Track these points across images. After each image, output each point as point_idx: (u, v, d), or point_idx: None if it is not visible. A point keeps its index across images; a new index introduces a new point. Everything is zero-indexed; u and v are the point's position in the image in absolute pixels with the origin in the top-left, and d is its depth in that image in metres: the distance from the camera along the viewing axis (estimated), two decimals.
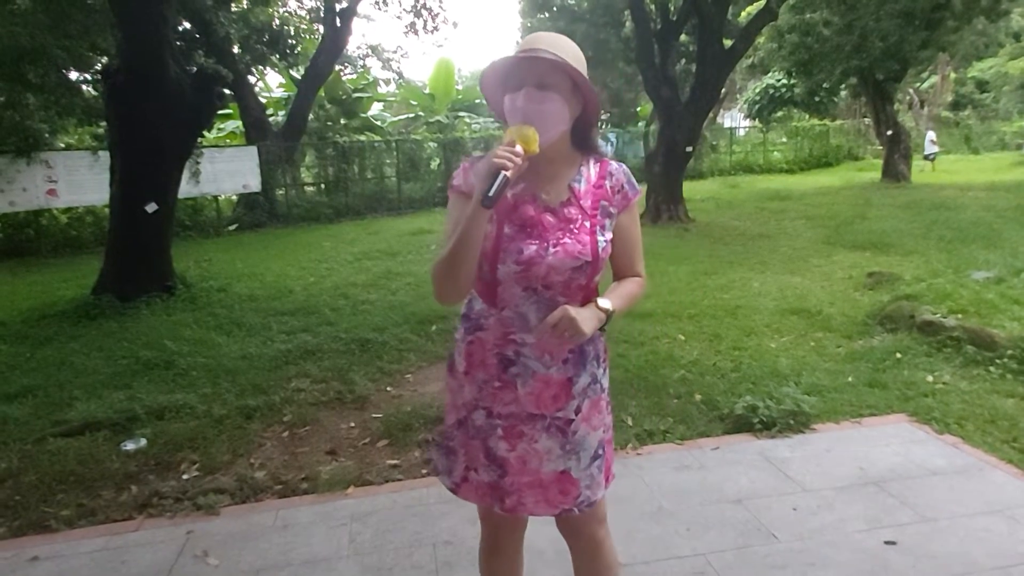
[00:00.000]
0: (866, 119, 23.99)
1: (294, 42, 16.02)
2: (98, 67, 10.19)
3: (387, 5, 15.49)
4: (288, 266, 9.15)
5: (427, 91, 24.41)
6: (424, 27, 15.41)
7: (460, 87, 24.77)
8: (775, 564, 2.43)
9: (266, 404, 4.08)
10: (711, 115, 20.74)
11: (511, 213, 1.54)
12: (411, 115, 24.90)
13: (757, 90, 27.30)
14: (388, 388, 4.39)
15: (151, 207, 6.86)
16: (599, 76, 19.50)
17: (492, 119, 21.33)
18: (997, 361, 4.14)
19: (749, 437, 3.46)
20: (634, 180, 1.66)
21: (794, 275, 7.20)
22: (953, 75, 31.26)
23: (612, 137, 23.31)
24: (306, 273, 8.59)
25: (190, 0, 11.16)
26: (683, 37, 15.15)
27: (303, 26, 16.86)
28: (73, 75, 11.15)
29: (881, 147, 19.25)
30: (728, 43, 12.16)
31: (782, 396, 3.69)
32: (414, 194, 17.25)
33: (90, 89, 11.71)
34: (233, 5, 13.94)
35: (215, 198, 14.41)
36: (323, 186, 17.10)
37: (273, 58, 15.97)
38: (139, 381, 4.61)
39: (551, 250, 1.51)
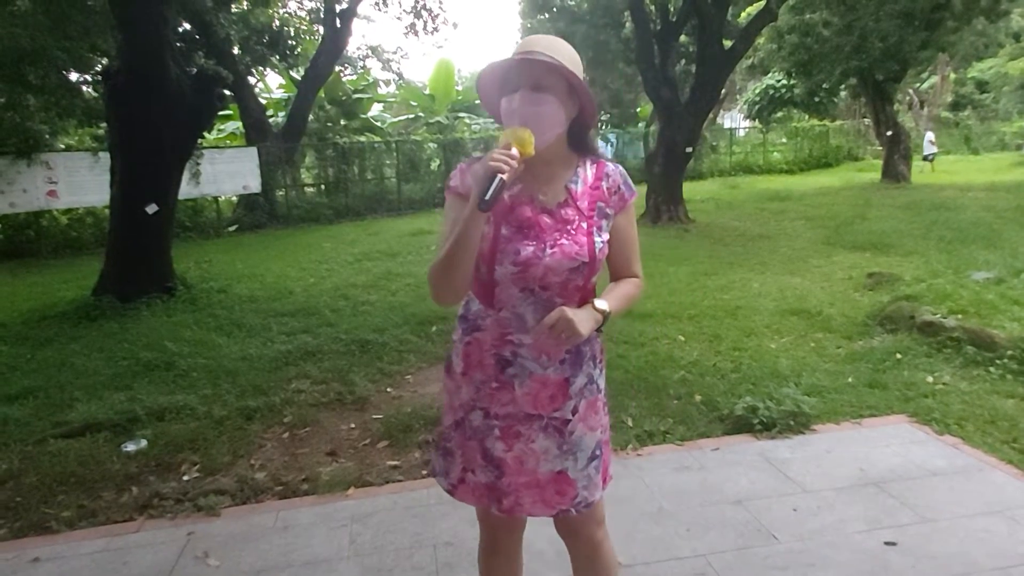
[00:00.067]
0: (866, 120, 24.00)
1: (294, 43, 16.04)
2: (98, 68, 10.20)
3: (387, 6, 15.52)
4: (288, 267, 9.16)
5: (427, 92, 24.43)
6: (424, 28, 15.43)
7: (460, 88, 24.77)
8: (775, 565, 2.44)
9: (266, 405, 4.08)
10: (711, 116, 20.76)
11: (508, 214, 1.54)
12: (411, 116, 24.91)
13: (757, 91, 27.30)
14: (388, 389, 4.39)
15: (151, 208, 6.86)
16: (599, 77, 19.52)
17: (492, 120, 21.32)
18: (997, 362, 4.14)
19: (749, 438, 3.46)
20: (630, 181, 1.67)
21: (794, 276, 7.21)
22: (953, 75, 31.26)
23: (612, 138, 23.32)
24: (306, 274, 8.60)
25: (190, 1, 11.16)
26: (683, 38, 15.16)
27: (303, 27, 16.88)
28: (73, 76, 11.15)
29: (881, 148, 19.26)
30: (728, 44, 12.17)
31: (782, 397, 3.69)
32: (414, 195, 17.26)
33: (90, 90, 11.71)
34: (233, 6, 13.95)
35: (215, 199, 14.42)
36: (323, 187, 17.11)
37: (273, 59, 15.99)
38: (140, 382, 4.62)
39: (548, 251, 1.52)
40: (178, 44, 9.56)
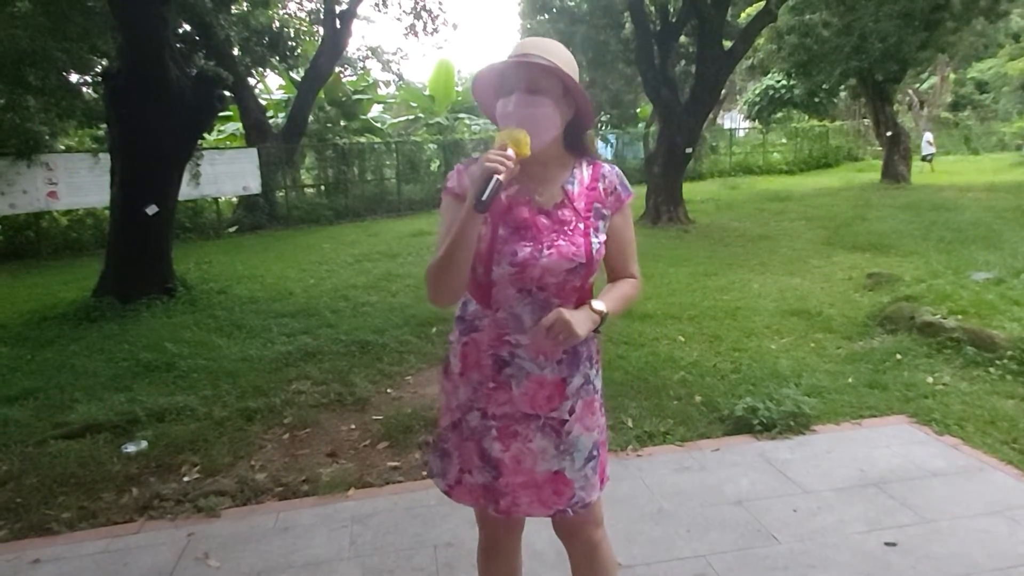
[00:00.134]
0: (866, 120, 24.01)
1: (294, 44, 16.05)
2: (98, 69, 10.21)
3: (387, 7, 15.54)
4: (288, 268, 9.16)
5: (427, 93, 24.42)
6: (424, 29, 15.45)
7: (460, 89, 24.78)
8: (775, 565, 2.44)
9: (267, 406, 4.09)
10: (711, 116, 20.74)
11: (505, 215, 1.55)
12: (411, 117, 24.92)
13: (757, 91, 27.31)
14: (388, 390, 4.39)
15: (151, 209, 6.86)
16: (599, 77, 19.50)
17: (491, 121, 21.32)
18: (997, 362, 4.14)
19: (749, 438, 3.46)
20: (627, 182, 1.67)
21: (794, 276, 7.21)
22: (952, 76, 31.27)
23: (612, 138, 23.34)
24: (306, 275, 8.60)
25: (190, 3, 11.18)
26: (683, 38, 15.16)
27: (303, 28, 16.91)
28: (73, 77, 11.17)
29: (881, 148, 19.26)
30: (728, 44, 12.18)
31: (782, 397, 3.69)
32: (414, 196, 17.27)
33: (90, 91, 11.73)
34: (233, 7, 13.96)
35: (215, 200, 14.43)
36: (323, 188, 17.12)
37: (273, 60, 16.00)
38: (140, 383, 4.62)
39: (545, 252, 1.52)
40: (178, 45, 9.55)
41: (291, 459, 3.50)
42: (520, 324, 1.56)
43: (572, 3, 18.03)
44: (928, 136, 21.47)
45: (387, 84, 24.27)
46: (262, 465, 3.44)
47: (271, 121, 17.90)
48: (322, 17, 15.74)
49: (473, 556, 1.89)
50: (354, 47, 20.98)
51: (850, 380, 4.13)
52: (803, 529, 2.65)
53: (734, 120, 32.05)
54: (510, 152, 1.43)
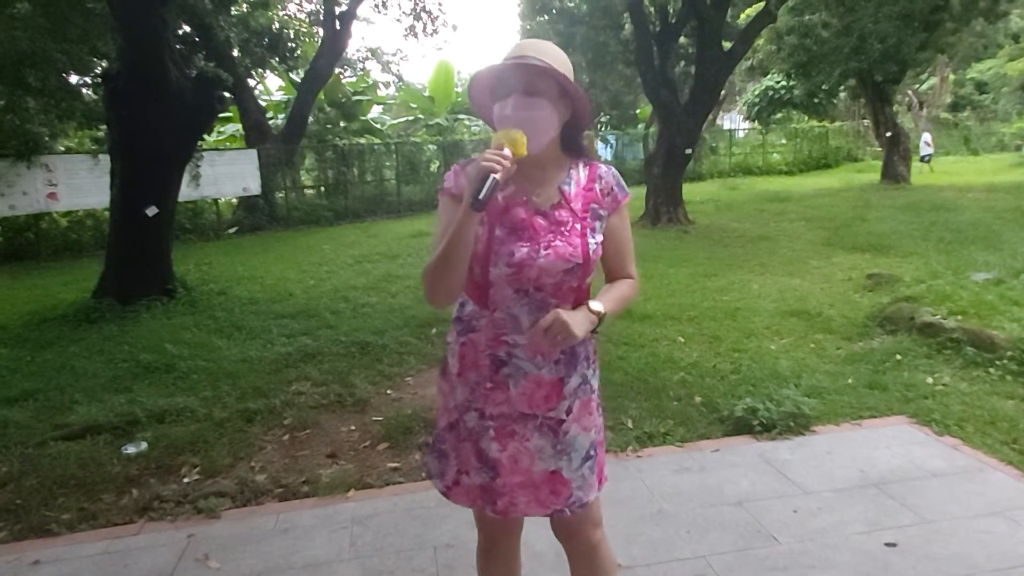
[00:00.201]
0: (865, 121, 24.01)
1: (294, 45, 16.08)
2: (98, 71, 10.22)
3: (387, 8, 15.58)
4: (288, 269, 9.16)
5: (427, 94, 24.43)
6: (424, 30, 15.47)
7: (460, 90, 24.78)
8: (776, 566, 2.44)
9: (266, 407, 4.08)
10: (710, 117, 20.75)
11: (502, 216, 1.55)
12: (411, 118, 24.91)
13: (756, 92, 27.33)
14: (388, 391, 4.39)
15: (151, 210, 6.86)
16: (598, 79, 19.49)
17: None
18: (997, 363, 4.14)
19: (749, 439, 3.46)
20: (623, 183, 1.68)
21: (794, 277, 7.21)
22: (952, 76, 31.30)
23: (611, 139, 23.34)
24: (306, 276, 8.60)
25: (190, 4, 11.18)
26: (682, 39, 15.15)
27: (303, 29, 16.92)
28: (73, 79, 11.18)
29: (880, 148, 19.27)
30: (727, 45, 12.18)
31: (782, 398, 3.69)
32: (414, 197, 17.27)
33: (90, 93, 11.75)
34: (233, 9, 13.97)
35: (215, 201, 14.43)
36: (323, 189, 17.13)
37: (273, 61, 16.03)
38: (140, 384, 4.62)
39: (542, 252, 1.52)
40: (178, 47, 9.55)
41: (291, 460, 3.50)
42: (518, 324, 1.57)
43: (572, 4, 18.03)
44: (926, 137, 21.48)
45: (387, 85, 24.35)
46: (262, 466, 3.44)
47: (271, 122, 17.91)
48: (322, 18, 15.75)
49: (473, 557, 1.90)
50: (354, 48, 21.11)
51: (850, 381, 4.13)
52: (803, 530, 2.65)
53: (734, 121, 32.08)
54: (506, 152, 1.43)
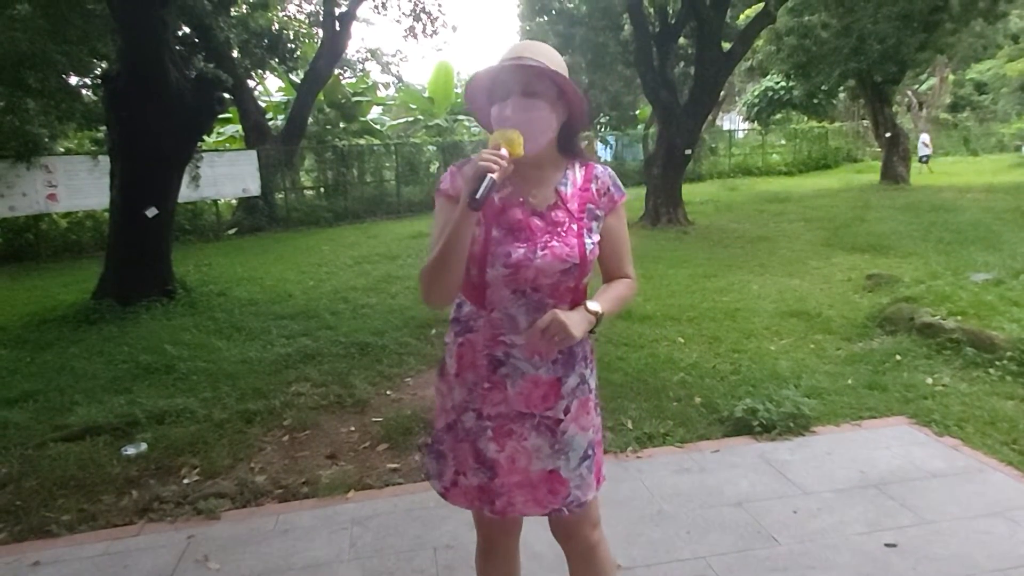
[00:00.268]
0: (865, 121, 24.04)
1: (293, 46, 16.07)
2: (98, 72, 10.22)
3: (386, 9, 15.55)
4: (288, 270, 9.16)
5: (426, 95, 24.43)
6: (423, 31, 15.50)
7: (459, 91, 24.77)
8: (775, 567, 2.44)
9: (266, 408, 4.08)
10: (710, 118, 20.75)
11: (499, 216, 1.55)
12: (410, 119, 24.91)
13: (756, 92, 27.35)
14: (388, 392, 4.39)
15: (151, 211, 6.86)
16: (598, 79, 19.48)
17: None
18: (997, 363, 4.14)
19: (749, 440, 3.46)
20: (620, 183, 1.68)
21: (793, 277, 7.21)
22: (951, 77, 31.33)
23: (611, 140, 23.35)
24: (306, 277, 8.60)
25: (190, 5, 11.18)
26: (682, 40, 15.15)
27: (302, 30, 16.93)
28: (73, 80, 11.18)
29: (880, 149, 19.28)
30: (727, 46, 12.18)
31: (782, 399, 3.69)
32: (413, 197, 17.27)
33: (90, 94, 11.75)
34: (233, 10, 13.98)
35: (215, 202, 14.43)
36: (322, 190, 17.13)
37: (272, 62, 16.02)
38: (139, 385, 4.62)
39: (539, 253, 1.53)
40: (178, 48, 9.55)
41: (291, 461, 3.50)
42: (515, 325, 1.57)
43: (571, 5, 18.03)
44: (924, 138, 21.48)
45: (386, 86, 24.34)
46: (262, 467, 3.44)
47: (270, 123, 17.91)
48: (321, 19, 15.76)
49: (473, 558, 1.90)
50: (353, 49, 21.06)
51: (850, 381, 4.13)
52: (803, 530, 2.65)
53: (733, 121, 32.10)
54: (503, 152, 1.44)
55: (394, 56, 22.84)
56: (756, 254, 8.71)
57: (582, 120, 1.61)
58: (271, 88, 22.81)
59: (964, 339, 4.42)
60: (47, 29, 7.77)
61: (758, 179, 21.18)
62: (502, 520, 1.72)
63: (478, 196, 1.38)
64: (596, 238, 1.60)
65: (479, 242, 1.53)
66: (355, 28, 23.87)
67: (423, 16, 15.21)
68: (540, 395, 1.60)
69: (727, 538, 2.62)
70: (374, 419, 3.94)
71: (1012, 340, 4.28)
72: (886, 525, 2.66)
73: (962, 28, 15.81)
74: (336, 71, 18.30)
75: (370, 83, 22.80)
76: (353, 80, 21.91)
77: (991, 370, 4.11)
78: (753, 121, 27.85)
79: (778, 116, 27.06)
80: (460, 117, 24.01)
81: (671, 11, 13.14)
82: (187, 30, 13.06)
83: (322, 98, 18.38)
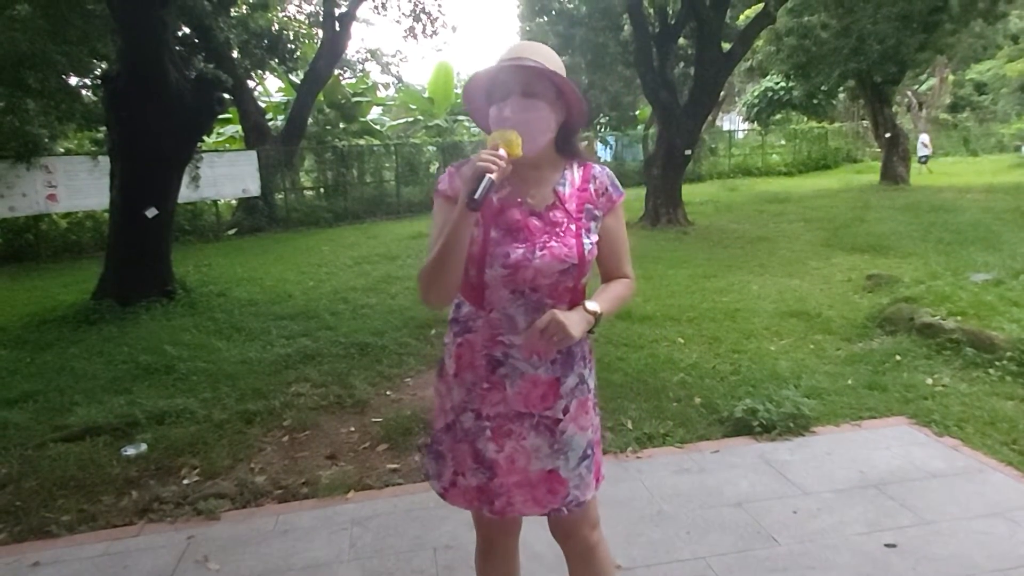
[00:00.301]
0: (864, 121, 24.05)
1: (293, 47, 16.08)
2: (98, 72, 10.23)
3: (386, 9, 15.56)
4: (287, 270, 9.16)
5: (426, 95, 24.43)
6: (423, 31, 15.50)
7: (459, 91, 24.75)
8: (775, 567, 2.44)
9: (266, 409, 4.08)
10: (710, 118, 20.75)
11: (497, 217, 1.55)
12: (410, 119, 24.91)
13: (755, 93, 27.35)
14: (388, 392, 4.39)
15: (151, 212, 6.87)
16: (598, 80, 19.49)
17: None
18: (996, 363, 4.14)
19: (749, 440, 3.46)
20: (618, 183, 1.68)
21: (793, 278, 7.21)
22: (951, 77, 31.35)
23: (611, 140, 23.35)
24: (305, 277, 8.60)
25: (190, 5, 11.19)
26: (681, 40, 15.16)
27: (302, 31, 16.94)
28: (73, 80, 11.19)
29: (879, 149, 19.29)
30: (726, 46, 12.19)
31: (782, 399, 3.69)
32: (413, 198, 17.27)
33: (90, 94, 11.75)
34: (233, 10, 13.98)
35: (215, 202, 14.43)
36: (322, 190, 17.13)
37: (272, 63, 16.03)
38: (139, 386, 4.62)
39: (538, 253, 1.53)
40: (178, 48, 9.56)
41: (291, 461, 3.50)
42: (514, 325, 1.57)
43: (571, 5, 18.04)
44: (924, 138, 21.48)
45: (386, 86, 24.34)
46: (262, 468, 3.44)
47: (270, 123, 17.91)
48: (321, 20, 15.76)
49: (472, 558, 1.90)
50: (353, 49, 21.06)
51: (849, 381, 4.13)
52: (803, 531, 2.65)
53: (733, 122, 32.10)
54: (502, 152, 1.44)
55: (394, 56, 22.93)
56: (756, 254, 8.71)
57: (581, 121, 1.61)
58: (271, 88, 22.82)
59: (964, 339, 4.42)
60: (47, 29, 7.78)
61: (758, 179, 21.18)
62: (501, 520, 1.72)
63: (477, 196, 1.38)
64: (594, 238, 1.60)
65: (478, 242, 1.53)
66: (355, 28, 23.88)
67: (423, 16, 15.22)
68: (539, 395, 1.60)
69: (727, 538, 2.62)
70: (374, 419, 3.94)
71: (1012, 340, 4.28)
72: (886, 525, 2.66)
73: (962, 28, 15.82)
74: (336, 71, 18.31)
75: (370, 83, 22.81)
76: (353, 80, 21.91)
77: (991, 370, 4.11)
78: (753, 121, 27.85)
79: (778, 116, 27.07)
80: (460, 117, 24.00)
81: (671, 11, 13.15)
82: (187, 30, 13.07)
83: (322, 98, 18.38)
